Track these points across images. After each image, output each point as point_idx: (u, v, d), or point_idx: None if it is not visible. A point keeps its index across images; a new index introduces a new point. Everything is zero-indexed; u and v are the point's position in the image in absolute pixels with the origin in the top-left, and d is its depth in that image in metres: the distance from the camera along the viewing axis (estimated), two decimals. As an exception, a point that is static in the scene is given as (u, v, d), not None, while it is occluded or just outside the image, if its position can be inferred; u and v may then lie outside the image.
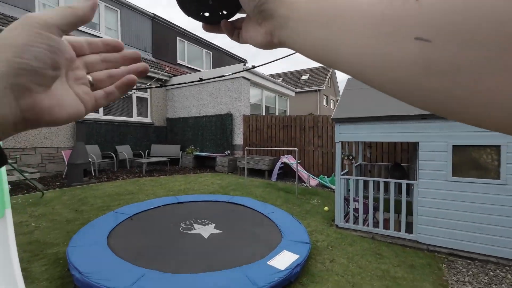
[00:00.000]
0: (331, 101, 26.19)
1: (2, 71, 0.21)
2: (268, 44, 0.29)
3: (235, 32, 0.34)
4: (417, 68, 0.16)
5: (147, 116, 9.82)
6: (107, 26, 9.24)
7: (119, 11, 9.56)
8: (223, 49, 15.03)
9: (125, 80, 0.30)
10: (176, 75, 10.18)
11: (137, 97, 9.42)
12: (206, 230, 2.93)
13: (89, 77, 0.29)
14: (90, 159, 6.89)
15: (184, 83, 8.78)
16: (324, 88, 22.75)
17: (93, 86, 0.29)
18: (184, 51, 12.51)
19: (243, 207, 3.84)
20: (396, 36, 0.17)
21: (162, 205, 3.71)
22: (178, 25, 12.10)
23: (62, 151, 6.88)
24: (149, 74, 9.28)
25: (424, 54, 0.15)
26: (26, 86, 0.22)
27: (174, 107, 10.18)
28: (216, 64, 13.92)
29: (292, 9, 0.25)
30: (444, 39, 0.14)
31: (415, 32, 0.15)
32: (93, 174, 6.94)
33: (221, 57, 14.62)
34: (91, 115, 7.89)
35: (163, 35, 11.44)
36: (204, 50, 13.62)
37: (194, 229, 2.96)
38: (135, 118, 9.32)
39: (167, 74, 10.04)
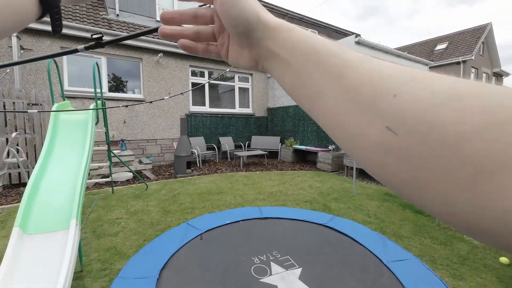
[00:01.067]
0: (484, 74, 18.99)
1: None
2: (252, 68, 0.30)
3: (209, 48, 0.33)
4: (380, 149, 0.19)
5: (248, 107, 9.69)
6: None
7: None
8: (331, 25, 13.16)
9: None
10: (277, 61, 9.47)
11: (239, 88, 9.38)
12: (286, 280, 1.97)
13: None
14: (194, 150, 7.26)
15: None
16: (473, 58, 16.59)
17: None
18: (287, 35, 11.61)
19: (349, 239, 2.62)
20: (371, 116, 0.19)
21: (241, 220, 3.01)
22: (279, 6, 11.29)
23: (174, 142, 7.56)
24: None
25: (388, 141, 0.18)
26: None
27: (275, 95, 9.58)
28: (322, 43, 12.29)
29: (281, 44, 0.25)
30: (405, 135, 0.17)
31: (387, 122, 0.18)
32: (198, 165, 7.29)
33: (327, 34, 12.86)
34: (199, 109, 8.35)
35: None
36: (309, 30, 12.26)
37: (271, 273, 2.05)
38: (237, 109, 9.35)
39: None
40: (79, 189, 2.34)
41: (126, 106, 2.58)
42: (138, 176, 4.89)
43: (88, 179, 4.96)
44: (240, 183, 5.26)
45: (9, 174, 4.88)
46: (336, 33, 13.14)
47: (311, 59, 0.23)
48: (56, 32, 0.28)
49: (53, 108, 2.94)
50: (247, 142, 8.98)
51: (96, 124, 3.35)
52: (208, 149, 8.10)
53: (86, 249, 2.65)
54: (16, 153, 4.43)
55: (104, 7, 7.45)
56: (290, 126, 8.60)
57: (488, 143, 0.14)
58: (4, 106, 4.85)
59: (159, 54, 7.16)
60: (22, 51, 5.40)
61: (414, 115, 0.17)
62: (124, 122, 6.92)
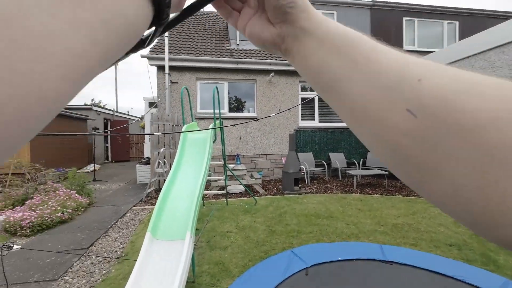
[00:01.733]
0: None
1: None
2: (272, 46, 0.29)
3: (232, 14, 0.32)
4: (397, 131, 0.19)
5: (363, 120, 8.66)
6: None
7: (335, 13, 9.27)
8: (480, 11, 10.18)
9: None
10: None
11: (352, 99, 8.57)
12: None
13: None
14: (303, 167, 7.03)
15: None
16: None
17: None
18: (414, 33, 9.82)
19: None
20: (393, 99, 0.19)
21: (356, 259, 2.46)
22: (404, 3, 9.74)
23: (282, 158, 7.62)
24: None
25: (406, 123, 0.19)
26: None
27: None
28: (468, 33, 9.65)
29: (316, 25, 0.26)
30: (424, 118, 0.18)
31: (409, 104, 0.19)
32: (306, 182, 7.00)
33: (476, 23, 9.96)
34: (308, 124, 8.14)
35: (385, 21, 9.66)
36: (445, 22, 9.95)
37: None
38: (350, 123, 8.52)
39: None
40: (195, 203, 2.54)
41: (234, 125, 2.67)
42: (248, 190, 5.10)
43: (209, 190, 5.62)
44: (353, 208, 4.57)
45: (158, 180, 6.21)
46: (491, 18, 9.97)
47: (342, 40, 0.24)
48: (149, 44, 0.26)
49: (183, 129, 3.45)
50: (361, 159, 7.96)
51: (214, 141, 3.71)
52: (317, 165, 7.69)
53: (200, 259, 2.85)
54: (162, 164, 5.58)
55: (228, 40, 8.66)
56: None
57: (503, 132, 0.15)
58: (158, 127, 6.28)
59: (271, 74, 7.54)
60: (170, 84, 6.92)
61: (436, 99, 0.18)
62: (240, 139, 7.58)
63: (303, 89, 8.25)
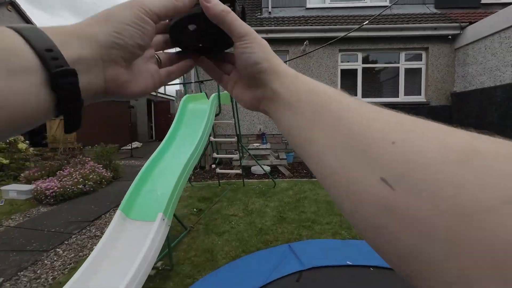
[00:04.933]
0: None
1: (100, 41, 0.23)
2: (253, 108, 0.31)
3: (223, 78, 0.35)
4: (375, 205, 0.16)
5: (419, 94, 7.22)
6: (374, -9, 7.76)
7: None
8: None
9: (186, 64, 0.33)
10: (473, 22, 6.35)
11: (405, 69, 7.16)
12: None
13: (158, 56, 0.31)
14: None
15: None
16: None
17: (160, 64, 0.31)
18: None
19: None
20: (367, 165, 0.16)
21: (374, 266, 1.81)
22: None
23: (316, 138, 6.86)
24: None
25: (383, 196, 0.15)
26: (115, 59, 0.24)
27: (468, 74, 6.50)
28: None
29: (286, 86, 0.26)
30: (405, 192, 0.14)
31: (383, 173, 0.15)
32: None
33: None
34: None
35: None
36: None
37: None
38: (401, 98, 7.20)
39: (456, 24, 6.55)
40: (175, 181, 2.17)
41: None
42: (267, 172, 4.61)
43: (229, 169, 5.29)
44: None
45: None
46: None
47: (311, 101, 0.23)
48: (69, 131, 0.24)
49: (182, 100, 3.08)
50: (414, 141, 6.69)
51: (217, 114, 3.27)
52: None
53: (189, 244, 2.53)
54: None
55: (259, 9, 7.93)
56: (494, 117, 5.46)
57: (506, 225, 0.11)
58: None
59: (305, 42, 6.66)
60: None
61: (417, 168, 0.14)
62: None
63: (344, 60, 7.16)
